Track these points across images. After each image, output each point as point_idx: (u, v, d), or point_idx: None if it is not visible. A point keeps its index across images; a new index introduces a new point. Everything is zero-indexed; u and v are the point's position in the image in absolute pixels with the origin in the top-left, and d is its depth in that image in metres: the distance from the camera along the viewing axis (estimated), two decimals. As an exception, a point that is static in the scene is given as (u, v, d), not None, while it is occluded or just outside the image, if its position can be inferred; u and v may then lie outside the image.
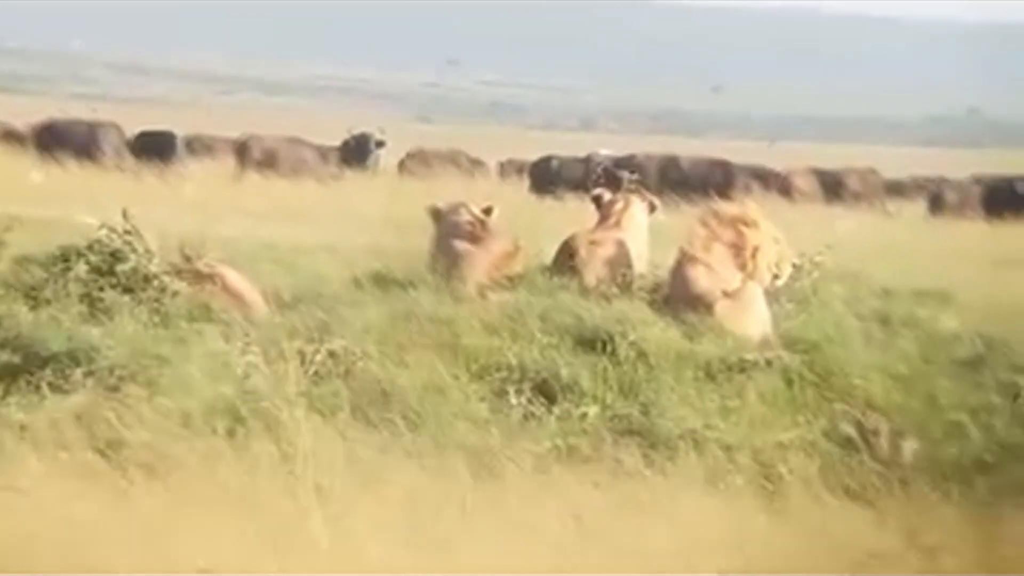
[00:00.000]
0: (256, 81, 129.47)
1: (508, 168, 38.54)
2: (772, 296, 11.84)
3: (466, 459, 8.94)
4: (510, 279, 12.59)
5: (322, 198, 26.75)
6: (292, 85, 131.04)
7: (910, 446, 9.46)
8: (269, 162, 33.03)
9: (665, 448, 9.22)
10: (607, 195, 13.52)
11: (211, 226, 16.18)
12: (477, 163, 38.17)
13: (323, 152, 35.27)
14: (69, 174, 27.32)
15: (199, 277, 11.00)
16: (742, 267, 11.73)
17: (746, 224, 11.80)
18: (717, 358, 10.32)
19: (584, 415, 9.64)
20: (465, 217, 13.29)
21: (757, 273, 11.76)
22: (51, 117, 32.61)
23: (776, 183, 34.90)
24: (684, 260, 11.71)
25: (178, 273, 10.79)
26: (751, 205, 12.33)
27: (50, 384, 9.30)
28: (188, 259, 11.03)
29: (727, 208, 12.12)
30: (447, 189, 23.75)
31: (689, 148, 42.87)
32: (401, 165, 37.32)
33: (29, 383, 9.33)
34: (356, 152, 36.13)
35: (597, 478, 8.76)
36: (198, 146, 36.55)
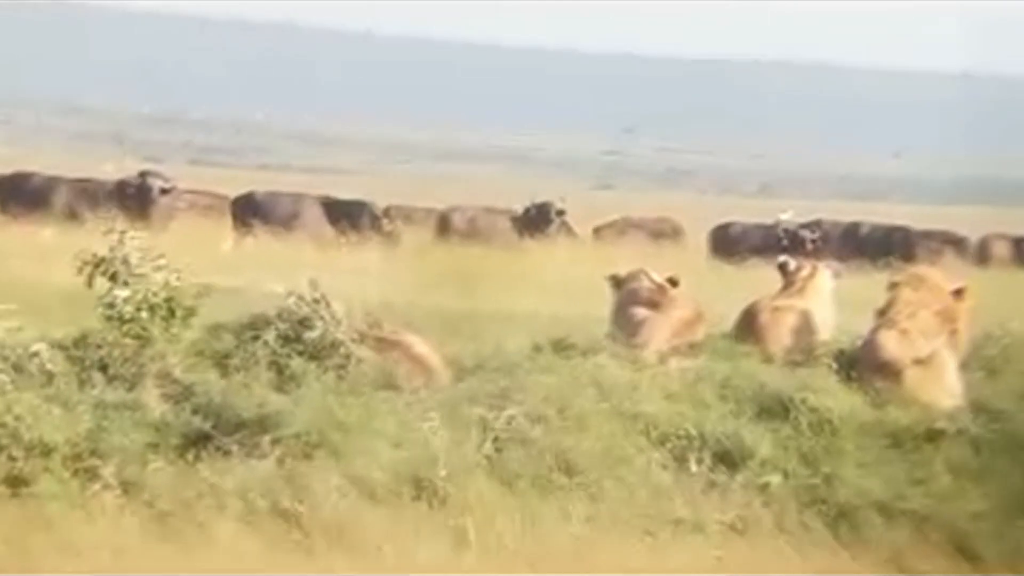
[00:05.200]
0: (434, 149, 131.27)
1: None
2: (962, 363, 11.62)
3: (647, 528, 8.90)
4: (691, 346, 12.52)
5: (502, 265, 26.96)
6: (468, 153, 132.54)
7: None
8: (469, 231, 33.44)
9: (849, 519, 9.08)
10: (792, 263, 13.43)
11: (396, 293, 16.39)
12: (677, 230, 38.10)
13: (514, 220, 35.57)
14: (260, 243, 27.91)
15: (384, 344, 11.13)
16: (947, 335, 11.50)
17: (956, 292, 11.63)
18: (904, 427, 10.15)
19: (767, 484, 9.54)
20: (645, 283, 13.28)
21: (959, 342, 11.54)
22: (251, 189, 33.38)
23: (962, 247, 34.31)
24: (881, 325, 11.53)
25: (364, 340, 10.94)
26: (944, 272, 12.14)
27: (240, 450, 9.49)
28: (373, 326, 11.18)
29: (933, 274, 11.93)
30: (625, 256, 23.77)
31: (870, 212, 42.38)
32: (596, 232, 37.56)
33: (219, 448, 9.54)
34: (537, 220, 36.36)
35: (781, 548, 8.66)
36: (394, 214, 36.95)
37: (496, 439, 9.80)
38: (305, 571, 8.11)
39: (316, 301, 10.87)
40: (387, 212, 34.45)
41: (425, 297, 18.51)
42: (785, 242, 32.48)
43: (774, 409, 10.39)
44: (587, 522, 8.96)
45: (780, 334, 12.46)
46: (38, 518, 8.76)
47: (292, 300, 10.88)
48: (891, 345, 11.36)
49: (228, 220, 32.74)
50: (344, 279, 14.27)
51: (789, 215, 36.15)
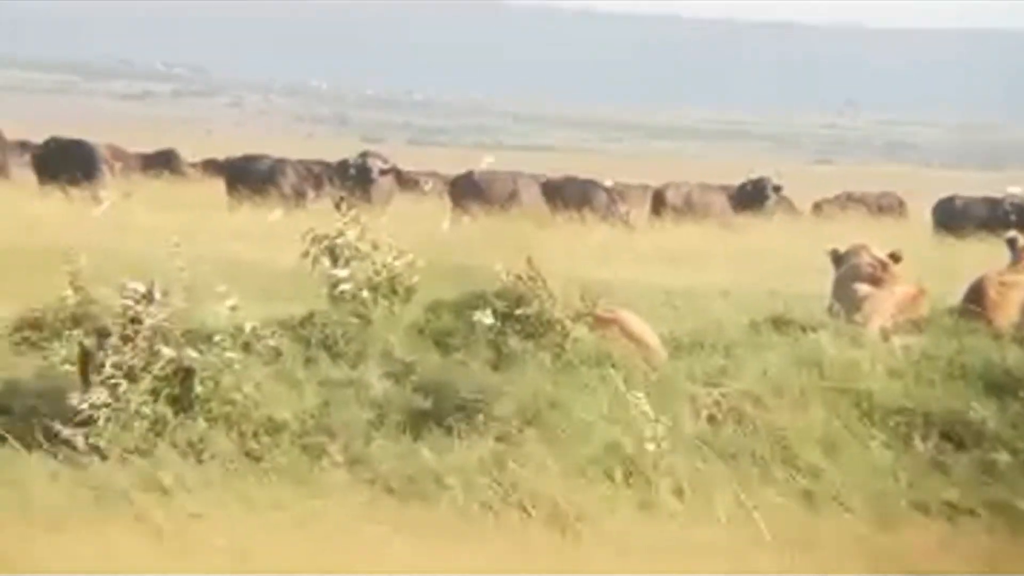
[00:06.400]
0: (646, 127, 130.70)
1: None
2: None
3: (867, 507, 8.76)
4: (914, 322, 12.29)
5: (719, 242, 26.76)
6: (683, 129, 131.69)
7: None
8: (684, 208, 33.25)
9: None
10: (1021, 238, 13.08)
11: (612, 271, 16.40)
12: (900, 205, 37.41)
13: (730, 196, 35.28)
14: (475, 223, 28.15)
15: (600, 322, 11.15)
16: None
17: None
18: None
19: (993, 463, 9.33)
20: (867, 259, 13.06)
21: None
22: (469, 169, 33.71)
23: None
24: None
25: (579, 318, 10.96)
26: None
27: (458, 428, 9.61)
28: (589, 304, 11.19)
29: None
30: (845, 231, 23.41)
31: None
32: (815, 208, 37.08)
33: (440, 427, 9.67)
34: (753, 196, 35.99)
35: (1009, 527, 8.46)
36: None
37: (712, 417, 9.74)
38: (523, 549, 8.17)
39: (532, 279, 10.93)
40: (612, 191, 34.33)
41: (642, 274, 18.48)
42: (1013, 216, 31.58)
43: (1003, 386, 10.14)
44: (804, 500, 8.85)
45: (1009, 310, 12.17)
46: (269, 494, 8.97)
47: (509, 279, 10.96)
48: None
49: (446, 199, 33.09)
50: (559, 257, 14.31)
51: (1019, 189, 35.15)
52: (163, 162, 38.44)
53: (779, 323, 12.20)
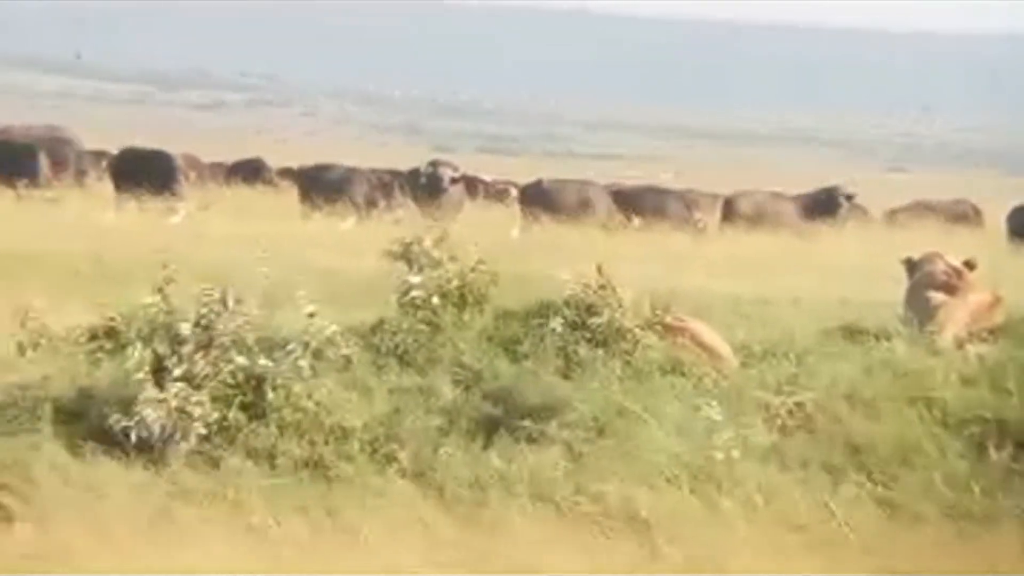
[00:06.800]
0: (718, 133, 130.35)
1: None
2: None
3: (942, 515, 8.69)
4: (989, 330, 12.18)
5: (790, 250, 26.63)
6: (758, 136, 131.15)
7: None
8: (755, 216, 33.12)
9: None
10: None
11: (683, 279, 16.36)
12: (975, 213, 37.04)
13: (800, 205, 35.10)
14: (547, 230, 28.17)
15: (669, 330, 11.12)
16: None
17: None
18: None
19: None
20: (941, 267, 12.96)
21: None
22: (539, 178, 33.76)
23: None
24: None
25: (649, 327, 10.95)
26: None
27: (528, 436, 9.62)
28: (659, 313, 11.17)
29: None
30: (919, 239, 23.24)
31: None
32: (889, 216, 36.81)
33: (509, 434, 9.68)
34: (825, 204, 35.78)
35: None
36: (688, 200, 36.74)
37: (783, 426, 9.70)
38: (592, 557, 8.16)
39: (603, 288, 10.92)
40: (685, 198, 34.23)
41: (713, 283, 18.42)
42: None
43: (1082, 396, 10.02)
44: (878, 509, 8.79)
45: (1085, 318, 12.03)
46: (336, 501, 9.02)
47: (579, 287, 10.96)
48: None
49: (516, 207, 33.15)
50: (631, 265, 14.30)
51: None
52: (250, 171, 38.51)
53: (851, 331, 12.12)
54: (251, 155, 41.16)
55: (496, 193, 37.44)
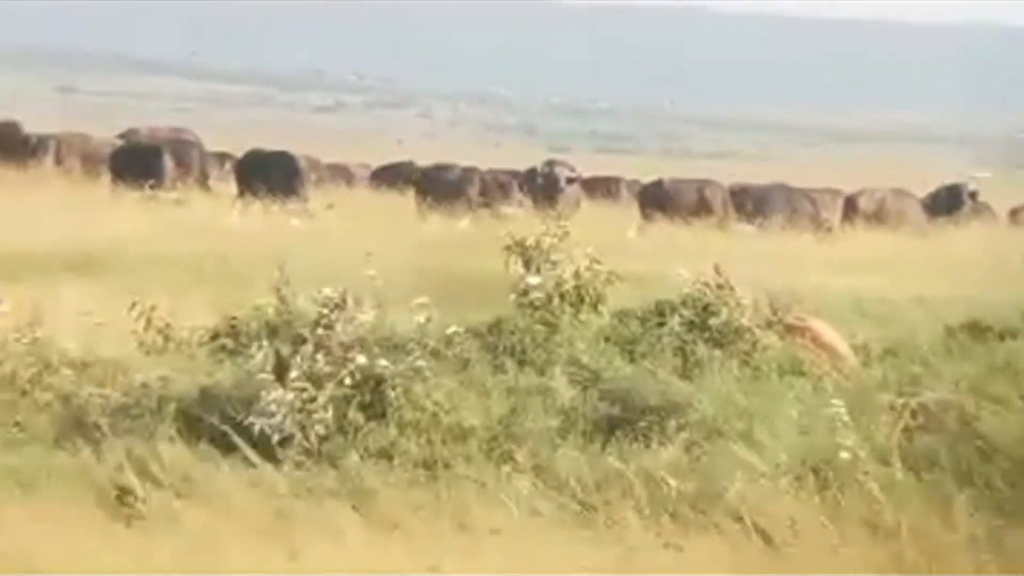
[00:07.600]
0: (831, 130, 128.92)
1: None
2: None
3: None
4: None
5: (913, 249, 26.30)
6: (873, 134, 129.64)
7: None
8: (877, 215, 32.76)
9: None
10: None
11: (804, 278, 16.21)
12: None
13: (924, 203, 34.64)
14: (664, 229, 28.08)
15: (789, 330, 11.03)
16: None
17: None
18: None
19: None
20: (1066, 265, 12.74)
21: None
22: (658, 177, 33.61)
23: None
24: None
25: (768, 326, 10.86)
26: None
27: (645, 436, 9.58)
28: (778, 312, 11.08)
29: None
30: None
31: None
32: (1012, 214, 36.23)
33: (627, 434, 9.64)
34: (948, 202, 35.29)
35: None
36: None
37: (906, 427, 9.56)
38: (711, 558, 8.10)
39: (721, 287, 10.86)
40: (811, 196, 33.85)
41: (834, 282, 18.23)
42: None
43: None
44: (1003, 510, 8.64)
45: None
46: (454, 501, 9.04)
47: (697, 286, 10.90)
48: None
49: (632, 206, 33.06)
50: (751, 265, 14.20)
51: None
52: (399, 175, 37.95)
53: (975, 330, 11.94)
54: (400, 159, 40.81)
55: (607, 188, 37.08)
